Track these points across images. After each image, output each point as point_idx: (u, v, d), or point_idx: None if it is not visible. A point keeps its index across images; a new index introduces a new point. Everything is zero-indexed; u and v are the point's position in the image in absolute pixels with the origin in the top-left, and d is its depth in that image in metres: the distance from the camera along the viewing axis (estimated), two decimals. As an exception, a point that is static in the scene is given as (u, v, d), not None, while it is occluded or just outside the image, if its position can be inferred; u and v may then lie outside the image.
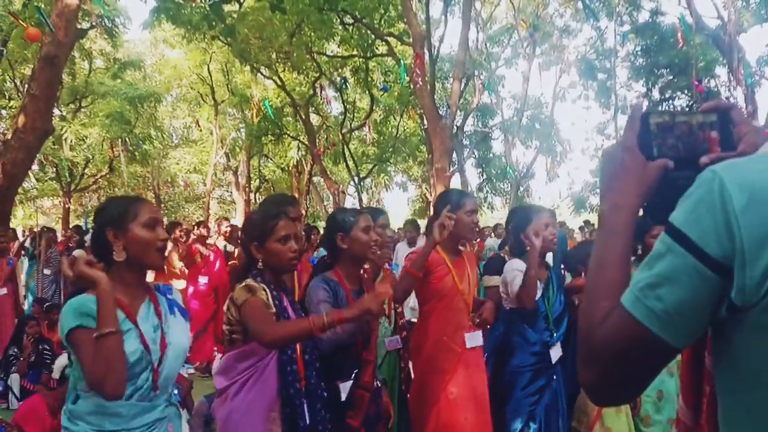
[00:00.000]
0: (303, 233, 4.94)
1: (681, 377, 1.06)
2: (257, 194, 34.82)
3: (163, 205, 36.12)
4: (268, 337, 2.43)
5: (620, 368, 0.94)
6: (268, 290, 2.65)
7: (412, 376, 3.93)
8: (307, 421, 2.63)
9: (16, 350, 6.18)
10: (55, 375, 5.33)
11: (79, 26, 11.64)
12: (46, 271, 9.52)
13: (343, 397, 2.97)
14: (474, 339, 3.58)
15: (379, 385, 3.34)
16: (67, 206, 25.89)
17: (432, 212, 3.93)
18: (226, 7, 13.11)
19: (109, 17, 18.77)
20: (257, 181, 33.07)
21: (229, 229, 9.78)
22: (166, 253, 2.35)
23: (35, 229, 12.07)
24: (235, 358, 2.64)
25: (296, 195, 28.79)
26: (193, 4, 13.13)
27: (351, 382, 3.00)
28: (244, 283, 2.63)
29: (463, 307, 3.60)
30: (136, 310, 2.20)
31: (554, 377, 3.79)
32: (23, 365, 5.97)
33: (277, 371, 2.61)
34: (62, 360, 5.38)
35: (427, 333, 3.65)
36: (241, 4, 7.71)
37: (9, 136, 21.43)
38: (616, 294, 0.96)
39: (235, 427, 2.57)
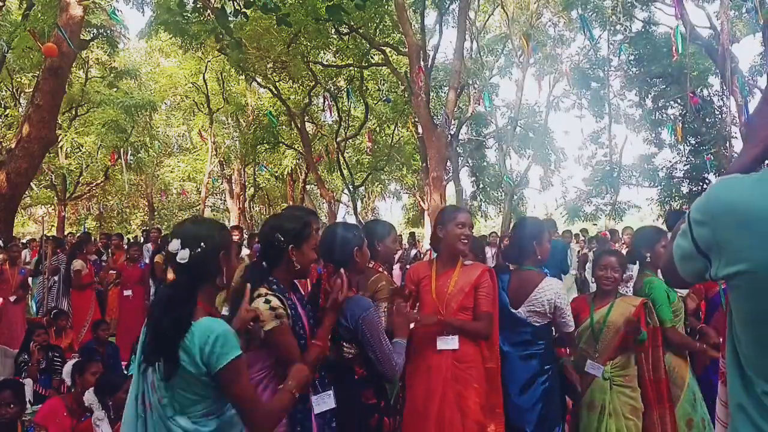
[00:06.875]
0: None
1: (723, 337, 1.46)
2: (251, 202, 34.73)
3: (156, 214, 36.02)
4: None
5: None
6: (283, 299, 2.65)
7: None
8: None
9: (26, 356, 6.25)
10: (67, 381, 5.41)
11: (81, 37, 11.70)
12: (54, 278, 9.49)
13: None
14: (445, 342, 3.62)
15: None
16: (62, 214, 25.86)
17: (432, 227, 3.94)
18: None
19: (107, 27, 18.85)
20: (251, 189, 33.02)
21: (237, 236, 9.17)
22: None
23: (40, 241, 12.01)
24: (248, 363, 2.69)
25: (290, 203, 28.87)
26: (201, 18, 13.20)
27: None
28: (265, 298, 2.62)
29: (436, 315, 3.64)
30: None
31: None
32: (34, 370, 6.03)
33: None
34: (68, 367, 5.45)
35: (410, 339, 3.74)
36: (247, 18, 7.78)
37: (5, 144, 21.53)
38: None
39: None
